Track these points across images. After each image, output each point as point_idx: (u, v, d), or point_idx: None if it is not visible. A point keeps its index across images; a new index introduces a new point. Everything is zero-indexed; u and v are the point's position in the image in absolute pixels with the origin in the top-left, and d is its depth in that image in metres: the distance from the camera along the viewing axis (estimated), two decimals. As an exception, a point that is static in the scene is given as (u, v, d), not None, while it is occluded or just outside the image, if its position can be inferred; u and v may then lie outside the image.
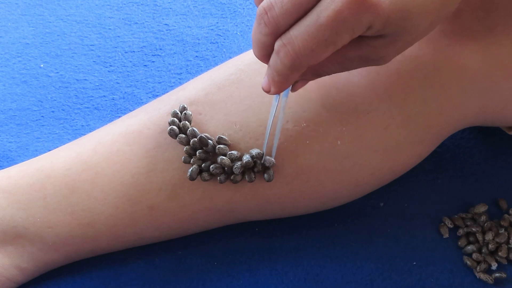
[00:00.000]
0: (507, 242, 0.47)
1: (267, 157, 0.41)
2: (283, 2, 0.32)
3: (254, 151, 0.41)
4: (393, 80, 0.42)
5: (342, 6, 0.30)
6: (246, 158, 0.40)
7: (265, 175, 0.41)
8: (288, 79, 0.34)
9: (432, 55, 0.43)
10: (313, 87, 0.42)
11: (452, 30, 0.43)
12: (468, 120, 0.46)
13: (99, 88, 0.59)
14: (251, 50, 0.46)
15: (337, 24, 0.31)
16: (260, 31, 0.33)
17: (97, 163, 0.43)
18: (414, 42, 0.36)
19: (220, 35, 0.64)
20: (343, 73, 0.42)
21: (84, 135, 0.47)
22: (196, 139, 0.41)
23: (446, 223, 0.49)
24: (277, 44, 0.33)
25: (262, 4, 0.33)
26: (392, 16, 0.31)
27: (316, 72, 0.37)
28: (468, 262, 0.46)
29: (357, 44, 0.34)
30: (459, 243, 0.48)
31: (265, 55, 0.34)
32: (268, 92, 0.36)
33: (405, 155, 0.44)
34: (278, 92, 0.36)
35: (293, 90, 0.38)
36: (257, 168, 0.41)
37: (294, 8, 0.32)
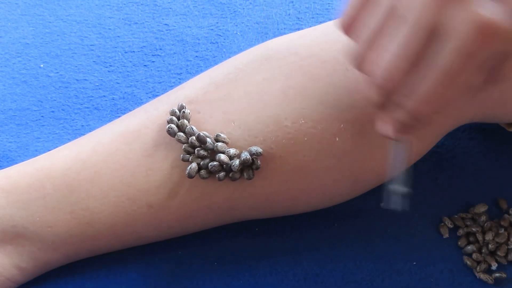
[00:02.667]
0: (507, 242, 0.47)
1: (246, 154, 0.40)
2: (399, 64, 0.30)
3: (253, 149, 0.41)
4: None
5: (472, 42, 0.27)
6: (244, 155, 0.40)
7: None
8: (414, 129, 0.33)
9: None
10: (311, 84, 0.42)
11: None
12: (467, 116, 0.46)
13: (99, 88, 0.59)
14: (249, 49, 0.46)
15: (470, 62, 0.28)
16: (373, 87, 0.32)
17: (96, 162, 0.43)
18: None
19: (220, 35, 0.64)
20: (341, 69, 0.42)
21: (84, 135, 0.47)
22: (194, 137, 0.41)
23: (446, 223, 0.48)
24: (400, 99, 0.31)
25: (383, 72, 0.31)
26: None
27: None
28: (468, 262, 0.46)
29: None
30: (459, 243, 0.48)
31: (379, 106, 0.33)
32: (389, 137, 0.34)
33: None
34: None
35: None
36: (255, 165, 0.41)
37: (407, 59, 0.30)
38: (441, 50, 0.28)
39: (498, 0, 0.27)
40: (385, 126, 0.34)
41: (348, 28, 0.33)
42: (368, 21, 0.31)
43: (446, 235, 0.48)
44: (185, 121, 0.42)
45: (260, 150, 0.40)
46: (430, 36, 0.29)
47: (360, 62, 0.33)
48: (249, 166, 0.41)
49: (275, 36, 0.51)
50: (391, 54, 0.30)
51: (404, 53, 0.30)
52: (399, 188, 0.38)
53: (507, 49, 0.28)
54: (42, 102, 0.58)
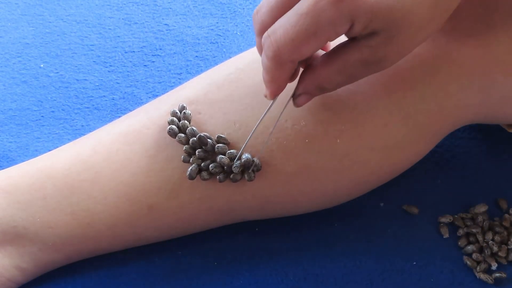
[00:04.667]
0: (507, 242, 0.47)
1: (247, 156, 0.41)
2: (269, 0, 0.33)
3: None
4: (392, 78, 0.42)
5: None
6: (245, 157, 0.40)
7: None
8: (274, 76, 0.35)
9: (431, 52, 0.43)
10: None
11: (451, 27, 0.43)
12: (467, 117, 0.46)
13: (99, 88, 0.59)
14: (250, 49, 0.46)
15: (316, 13, 0.31)
16: (254, 31, 0.34)
17: (97, 162, 0.43)
18: (415, 41, 0.35)
19: (220, 35, 0.64)
20: None
21: (84, 135, 0.47)
22: (195, 138, 0.41)
23: (446, 222, 0.49)
24: (263, 37, 0.34)
25: (256, 7, 0.34)
26: (378, 8, 0.31)
27: (319, 85, 0.37)
28: (468, 262, 0.46)
29: (355, 47, 0.34)
30: (459, 243, 0.48)
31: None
32: (265, 97, 0.36)
33: (404, 153, 0.44)
34: (271, 96, 0.36)
35: (296, 105, 0.38)
36: (256, 167, 0.41)
37: (278, 5, 0.33)
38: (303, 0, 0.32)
39: None
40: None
41: None
42: None
43: (446, 235, 0.48)
44: (186, 122, 0.42)
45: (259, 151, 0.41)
46: None
47: None
48: (249, 168, 0.41)
49: (275, 36, 0.51)
50: None
51: None
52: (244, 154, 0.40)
53: (359, 20, 0.32)
54: (42, 102, 0.58)
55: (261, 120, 0.39)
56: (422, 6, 0.33)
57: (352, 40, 0.34)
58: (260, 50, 0.36)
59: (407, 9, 0.32)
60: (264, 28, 0.34)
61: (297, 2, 0.32)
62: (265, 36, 0.33)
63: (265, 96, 0.36)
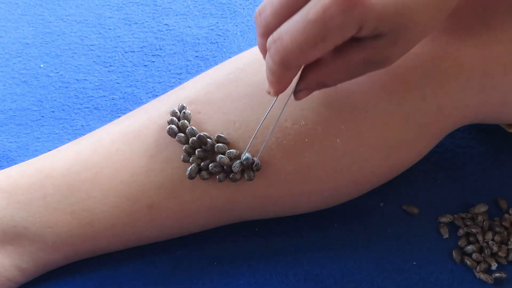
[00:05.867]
0: (507, 242, 0.47)
1: (248, 155, 0.41)
2: (273, 2, 0.33)
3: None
4: (392, 77, 0.42)
5: (330, 2, 0.30)
6: (245, 156, 0.40)
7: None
8: (280, 78, 0.35)
9: (431, 52, 0.43)
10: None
11: (451, 27, 0.43)
12: (467, 117, 0.46)
13: (99, 88, 0.59)
14: (250, 49, 0.46)
15: (325, 20, 0.31)
16: (257, 32, 0.34)
17: (96, 162, 0.43)
18: (418, 40, 0.35)
19: (220, 35, 0.64)
20: None
21: (84, 135, 0.47)
22: (195, 138, 0.41)
23: (446, 223, 0.49)
24: (268, 41, 0.33)
25: (258, 7, 0.34)
26: (386, 13, 0.31)
27: (321, 81, 0.37)
28: (468, 262, 0.46)
29: (359, 47, 0.34)
30: (459, 243, 0.48)
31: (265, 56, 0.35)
32: (268, 93, 0.36)
33: (404, 152, 0.44)
34: (276, 94, 0.36)
35: (297, 99, 0.38)
36: (256, 166, 0.41)
37: (283, 7, 0.33)
38: (311, 5, 0.31)
39: None
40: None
41: None
42: None
43: (446, 235, 0.48)
44: (186, 121, 0.42)
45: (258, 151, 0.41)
46: None
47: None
48: (249, 167, 0.41)
49: (275, 36, 0.51)
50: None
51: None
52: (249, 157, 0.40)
53: (367, 24, 0.31)
54: (42, 102, 0.58)
55: (264, 119, 0.39)
56: (426, 7, 0.33)
57: (356, 40, 0.34)
58: (264, 52, 0.35)
59: (413, 12, 0.32)
60: (268, 30, 0.34)
61: (302, 5, 0.32)
62: (271, 40, 0.33)
63: (268, 93, 0.36)
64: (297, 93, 0.38)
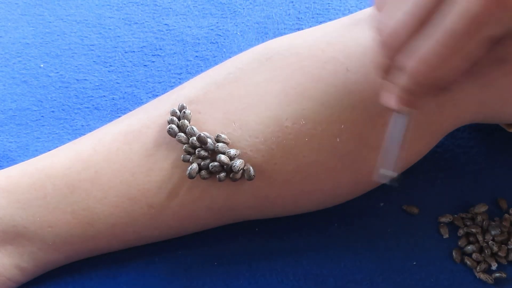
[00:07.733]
0: (507, 242, 0.47)
1: (239, 161, 0.40)
2: (402, 19, 0.30)
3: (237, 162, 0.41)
4: None
5: (479, 7, 0.27)
6: (236, 164, 0.40)
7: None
8: (417, 98, 0.33)
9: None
10: (312, 85, 0.42)
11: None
12: (467, 117, 0.46)
13: (99, 88, 0.59)
14: (250, 49, 0.46)
15: (474, 28, 0.27)
16: (383, 52, 0.31)
17: (96, 162, 0.43)
18: None
19: (220, 35, 0.64)
20: (342, 70, 0.42)
21: (84, 135, 0.47)
22: (195, 137, 0.41)
23: (446, 223, 0.49)
24: (403, 60, 0.31)
25: (378, 23, 0.31)
26: None
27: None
28: (468, 262, 0.46)
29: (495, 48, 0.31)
30: (459, 243, 0.48)
31: (384, 71, 0.33)
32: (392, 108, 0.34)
33: (404, 152, 0.44)
34: (409, 112, 0.34)
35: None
36: (248, 176, 0.41)
37: (414, 22, 0.29)
38: (448, 13, 0.28)
39: None
40: (388, 96, 0.33)
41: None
42: None
43: (446, 235, 0.48)
44: (186, 121, 0.42)
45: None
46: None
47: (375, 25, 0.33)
48: (237, 172, 0.41)
49: (275, 36, 0.51)
50: (400, 12, 0.30)
51: (412, 11, 0.29)
52: (387, 172, 0.37)
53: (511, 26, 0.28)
54: (42, 102, 0.58)
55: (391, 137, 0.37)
56: None
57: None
58: (385, 68, 0.33)
59: None
60: (399, 48, 0.31)
61: (432, 12, 0.29)
62: (408, 59, 0.30)
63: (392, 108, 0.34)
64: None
